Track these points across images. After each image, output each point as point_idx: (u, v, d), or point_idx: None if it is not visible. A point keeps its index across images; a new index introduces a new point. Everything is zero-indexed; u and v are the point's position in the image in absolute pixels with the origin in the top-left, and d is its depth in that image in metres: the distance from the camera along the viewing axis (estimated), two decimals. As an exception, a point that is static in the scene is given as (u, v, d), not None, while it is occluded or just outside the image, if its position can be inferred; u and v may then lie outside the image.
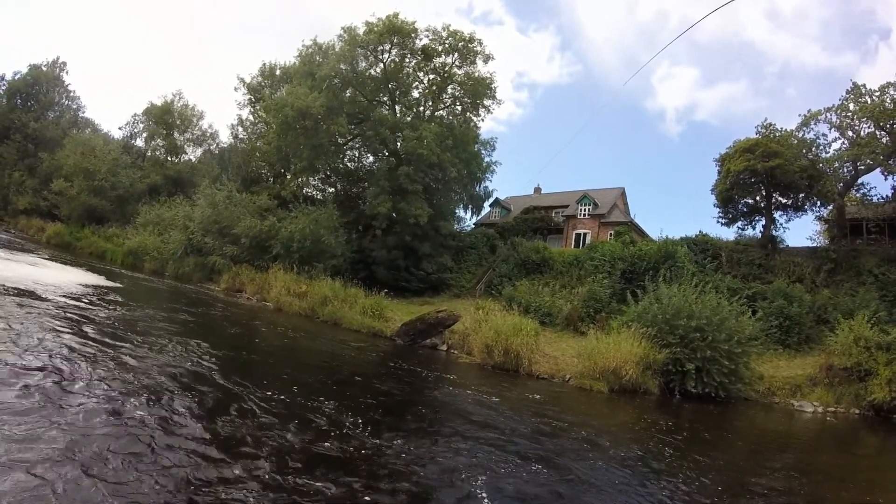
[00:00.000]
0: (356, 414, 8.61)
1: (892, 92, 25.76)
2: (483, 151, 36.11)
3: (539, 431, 10.04)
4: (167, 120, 51.09)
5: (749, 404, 17.23)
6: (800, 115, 28.62)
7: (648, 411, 14.31)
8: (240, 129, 45.94)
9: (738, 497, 7.80)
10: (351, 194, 37.02)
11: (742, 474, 9.23)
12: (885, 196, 28.77)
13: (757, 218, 30.59)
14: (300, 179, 38.00)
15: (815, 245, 30.68)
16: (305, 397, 9.22)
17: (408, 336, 19.99)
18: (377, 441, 7.53)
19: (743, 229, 31.07)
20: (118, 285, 21.85)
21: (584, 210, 39.84)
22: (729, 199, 30.06)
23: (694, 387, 16.00)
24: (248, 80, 43.73)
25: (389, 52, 32.98)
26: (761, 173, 27.28)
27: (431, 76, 34.57)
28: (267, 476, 5.67)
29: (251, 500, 5.06)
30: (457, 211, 37.02)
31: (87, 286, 18.77)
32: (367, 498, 5.63)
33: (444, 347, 19.43)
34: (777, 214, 30.11)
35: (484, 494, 6.37)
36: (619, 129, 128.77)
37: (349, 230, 32.38)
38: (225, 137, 51.97)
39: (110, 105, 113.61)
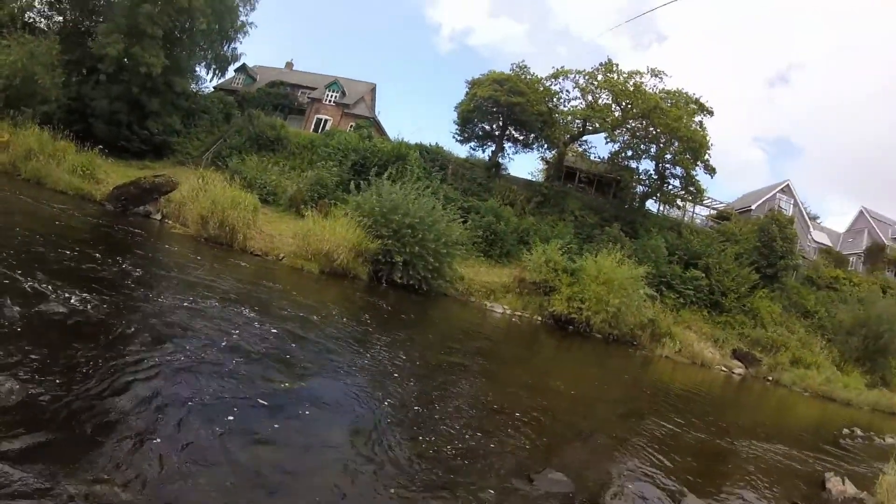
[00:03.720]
0: (49, 280, 6.83)
1: (636, 79, 30.45)
2: (242, 8, 32.29)
3: (248, 297, 9.68)
4: None
5: (448, 299, 19.61)
6: (553, 68, 32.32)
7: (355, 292, 15.20)
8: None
9: (424, 368, 8.46)
10: (80, 28, 29.97)
11: (431, 351, 10.11)
12: (601, 157, 34.64)
13: (489, 144, 34.04)
14: (23, 0, 29.47)
15: (532, 179, 35.42)
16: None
17: (119, 201, 17.61)
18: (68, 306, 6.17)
19: (475, 150, 34.48)
20: None
21: (331, 96, 39.32)
22: (468, 120, 32.80)
23: (400, 278, 17.38)
24: None
25: None
26: (504, 105, 30.17)
27: None
28: None
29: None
30: (197, 69, 32.86)
31: None
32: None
33: (159, 216, 17.66)
34: (507, 145, 34.04)
35: (203, 346, 6.11)
36: (392, 27, 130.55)
37: (69, 72, 26.59)
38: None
39: None
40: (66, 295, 6.29)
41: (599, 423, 8.64)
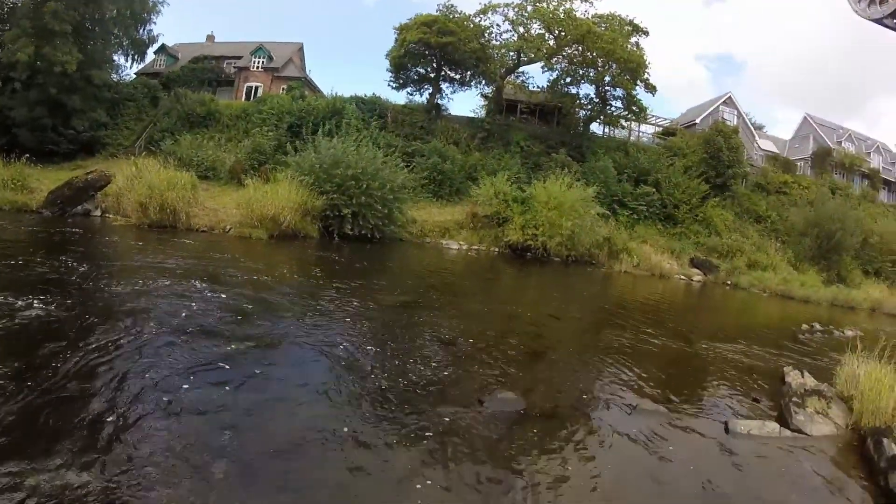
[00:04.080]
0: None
1: (566, 5, 30.12)
2: None
3: (197, 271, 9.65)
4: None
5: (403, 244, 19.92)
6: (480, 4, 31.71)
7: (306, 251, 15.33)
8: None
9: (378, 311, 8.55)
10: (-13, 41, 28.47)
11: (385, 294, 10.11)
12: (540, 86, 34.58)
13: (426, 86, 33.38)
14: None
15: (474, 116, 34.88)
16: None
17: (55, 205, 17.34)
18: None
19: (412, 95, 33.98)
20: None
21: (258, 62, 38.26)
22: (402, 66, 32.08)
23: (351, 229, 17.58)
24: None
25: None
26: (435, 47, 29.60)
27: None
28: None
29: None
30: (115, 57, 31.65)
31: None
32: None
33: (98, 212, 17.44)
34: (444, 86, 33.38)
35: (159, 324, 6.19)
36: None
37: (-17, 87, 25.41)
38: None
39: None
40: (16, 302, 6.27)
41: (557, 341, 8.68)
